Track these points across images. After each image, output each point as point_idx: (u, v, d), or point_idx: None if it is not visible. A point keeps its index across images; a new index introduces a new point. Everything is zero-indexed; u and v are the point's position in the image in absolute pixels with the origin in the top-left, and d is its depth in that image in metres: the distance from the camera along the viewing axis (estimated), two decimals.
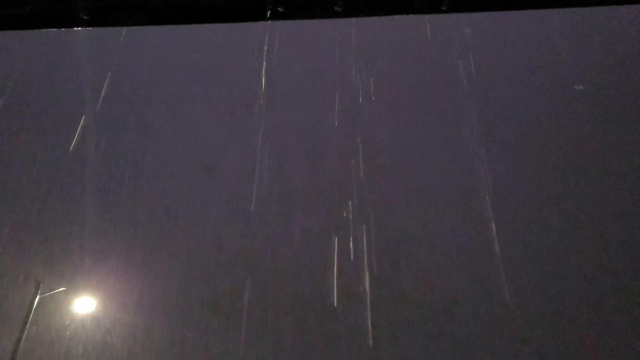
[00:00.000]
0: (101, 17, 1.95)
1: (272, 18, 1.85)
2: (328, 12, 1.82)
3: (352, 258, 1.21)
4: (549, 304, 1.13)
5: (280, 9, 1.86)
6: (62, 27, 1.96)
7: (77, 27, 1.94)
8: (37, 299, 1.28)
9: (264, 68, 1.58)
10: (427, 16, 1.74)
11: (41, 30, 1.95)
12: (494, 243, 1.21)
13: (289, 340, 1.14)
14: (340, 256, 1.21)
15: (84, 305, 1.27)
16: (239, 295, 1.18)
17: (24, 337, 1.25)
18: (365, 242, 1.24)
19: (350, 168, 1.35)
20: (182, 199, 1.33)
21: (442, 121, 1.39)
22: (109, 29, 1.95)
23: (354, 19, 1.78)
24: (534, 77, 1.47)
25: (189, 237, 1.28)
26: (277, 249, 1.23)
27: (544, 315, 1.14)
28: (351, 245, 1.24)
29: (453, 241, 1.20)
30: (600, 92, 1.42)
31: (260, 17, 1.86)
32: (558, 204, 1.26)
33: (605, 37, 1.52)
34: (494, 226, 1.21)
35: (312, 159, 1.41)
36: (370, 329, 1.13)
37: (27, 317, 1.28)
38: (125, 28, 1.89)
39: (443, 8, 1.72)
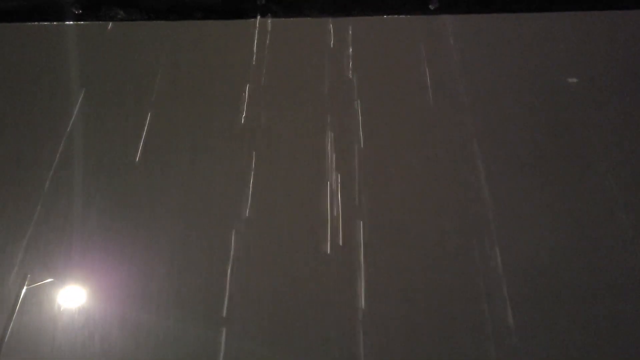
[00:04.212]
0: (94, 11, 1.95)
1: (264, 16, 1.86)
2: (321, 11, 1.84)
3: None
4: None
5: (272, 8, 1.87)
6: (54, 21, 1.95)
7: (69, 21, 1.94)
8: (23, 290, 1.27)
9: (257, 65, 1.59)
10: (419, 17, 1.76)
11: (30, 23, 1.95)
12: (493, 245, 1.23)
13: (282, 331, 1.15)
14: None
15: (72, 296, 1.26)
16: (234, 287, 1.20)
17: (10, 329, 1.24)
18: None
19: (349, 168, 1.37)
20: (174, 186, 1.34)
21: (436, 123, 1.41)
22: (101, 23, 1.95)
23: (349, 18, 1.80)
24: (528, 79, 1.48)
25: (182, 228, 1.29)
26: (271, 238, 1.25)
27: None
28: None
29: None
30: (597, 95, 1.44)
31: (253, 14, 1.87)
32: (556, 205, 1.28)
33: (604, 42, 1.54)
34: (492, 228, 1.23)
35: (304, 159, 1.42)
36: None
37: (14, 308, 1.27)
38: (118, 23, 1.89)
39: (431, 7, 1.74)
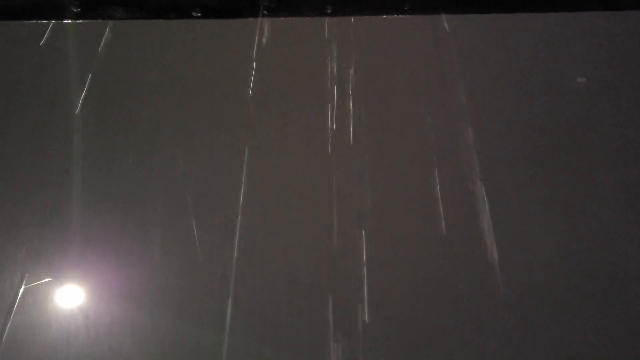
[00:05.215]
0: (92, 10, 1.94)
1: (264, 15, 1.86)
2: (319, 11, 1.83)
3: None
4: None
5: (271, 6, 1.87)
6: (51, 20, 1.95)
7: (67, 19, 1.94)
8: (21, 290, 1.26)
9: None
10: (420, 17, 1.76)
11: (28, 21, 1.94)
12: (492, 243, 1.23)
13: (282, 331, 1.14)
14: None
15: (70, 296, 1.25)
16: (233, 285, 1.19)
17: (7, 328, 1.24)
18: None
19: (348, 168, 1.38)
20: (175, 185, 1.33)
21: (434, 126, 1.40)
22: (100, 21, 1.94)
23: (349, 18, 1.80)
24: (529, 81, 1.48)
25: (183, 227, 1.28)
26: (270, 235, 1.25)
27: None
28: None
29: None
30: (601, 97, 1.43)
31: (252, 14, 1.87)
32: (556, 206, 1.27)
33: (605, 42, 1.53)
34: (490, 222, 1.23)
35: (302, 158, 1.42)
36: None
37: (11, 308, 1.26)
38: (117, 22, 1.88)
39: (440, 7, 1.73)
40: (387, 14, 1.79)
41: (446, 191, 1.42)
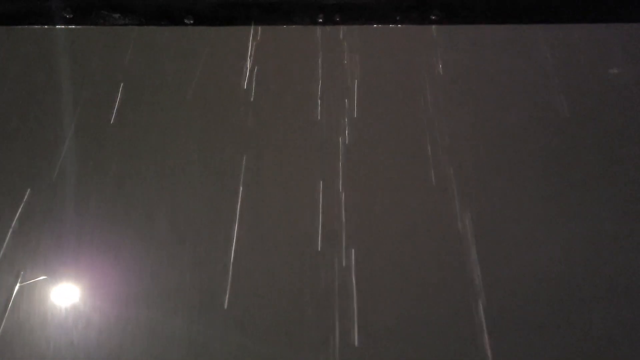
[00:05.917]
0: (85, 16, 1.96)
1: (255, 24, 1.90)
2: (311, 20, 1.88)
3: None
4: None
5: (263, 14, 1.90)
6: (43, 25, 1.96)
7: (59, 25, 1.95)
8: (16, 288, 1.25)
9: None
10: (412, 27, 1.80)
11: (17, 27, 1.95)
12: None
13: (282, 330, 1.16)
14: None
15: (66, 294, 1.25)
16: (230, 283, 1.21)
17: (2, 327, 1.23)
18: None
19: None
20: (172, 184, 1.34)
21: (428, 131, 1.44)
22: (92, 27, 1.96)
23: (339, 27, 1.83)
24: (523, 87, 1.51)
25: (180, 224, 1.30)
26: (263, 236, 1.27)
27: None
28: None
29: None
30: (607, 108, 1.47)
31: (245, 22, 1.90)
32: (557, 208, 1.30)
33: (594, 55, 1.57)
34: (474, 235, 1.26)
35: (297, 159, 1.46)
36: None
37: (6, 306, 1.25)
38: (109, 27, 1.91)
39: (432, 18, 1.78)
40: (378, 23, 1.83)
41: (444, 192, 1.46)
